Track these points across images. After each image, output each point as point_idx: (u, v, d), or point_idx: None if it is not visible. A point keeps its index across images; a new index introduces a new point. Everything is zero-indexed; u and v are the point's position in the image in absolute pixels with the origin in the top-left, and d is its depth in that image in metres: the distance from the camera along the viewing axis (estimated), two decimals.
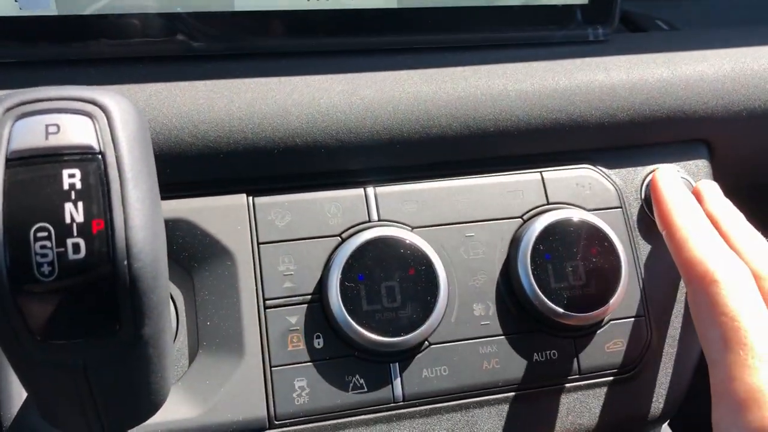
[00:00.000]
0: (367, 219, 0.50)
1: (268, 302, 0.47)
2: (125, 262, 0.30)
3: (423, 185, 0.52)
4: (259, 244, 0.48)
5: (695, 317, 0.44)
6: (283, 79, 0.50)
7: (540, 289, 0.49)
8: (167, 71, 0.48)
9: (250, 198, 0.49)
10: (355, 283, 0.47)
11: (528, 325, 0.50)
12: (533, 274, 0.49)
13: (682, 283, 0.55)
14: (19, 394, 0.43)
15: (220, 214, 0.48)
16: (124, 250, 0.30)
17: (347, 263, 0.47)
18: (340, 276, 0.47)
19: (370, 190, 0.51)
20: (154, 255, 0.31)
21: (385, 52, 0.53)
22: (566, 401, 0.51)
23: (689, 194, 0.52)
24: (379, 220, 0.50)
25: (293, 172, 0.50)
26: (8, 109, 0.31)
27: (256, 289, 0.47)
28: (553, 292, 0.49)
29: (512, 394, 0.50)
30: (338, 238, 0.49)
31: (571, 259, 0.50)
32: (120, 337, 0.32)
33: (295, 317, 0.48)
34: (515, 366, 0.50)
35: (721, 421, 0.40)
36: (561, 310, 0.49)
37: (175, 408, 0.44)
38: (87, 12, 0.47)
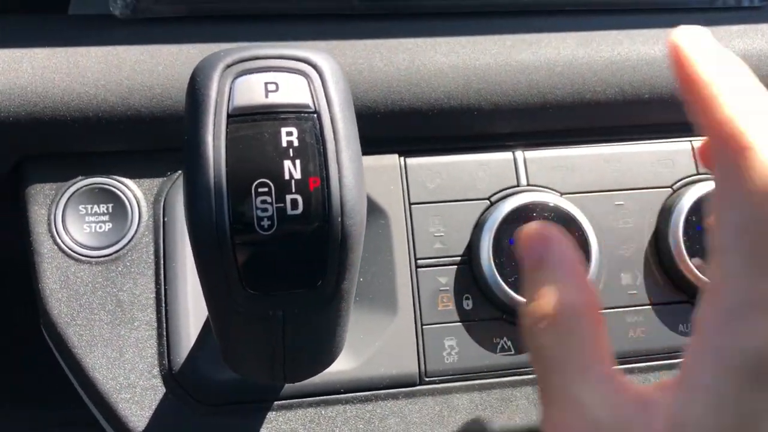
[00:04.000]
0: (515, 183, 0.50)
1: (419, 261, 0.48)
2: (339, 219, 0.31)
3: (572, 151, 0.51)
4: (410, 204, 0.49)
5: (714, 194, 0.29)
6: (439, 39, 0.49)
7: (692, 261, 0.48)
8: (326, 30, 0.49)
9: (402, 158, 0.50)
10: (505, 247, 0.47)
11: (676, 296, 0.50)
12: (685, 245, 0.48)
13: None
14: (187, 341, 0.45)
15: (374, 174, 0.49)
16: (339, 208, 0.31)
17: (498, 227, 0.48)
18: (491, 239, 0.47)
19: (519, 154, 0.51)
20: (362, 213, 0.32)
21: (537, 13, 0.53)
22: None
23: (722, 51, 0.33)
24: (527, 185, 0.50)
25: (444, 134, 0.50)
26: (228, 66, 0.31)
27: (408, 249, 0.48)
28: (704, 264, 0.48)
29: (657, 362, 0.49)
30: (487, 201, 0.50)
31: None
32: (322, 291, 0.33)
33: (446, 278, 0.48)
34: (661, 336, 0.49)
35: (708, 321, 0.28)
36: None
37: None
38: None
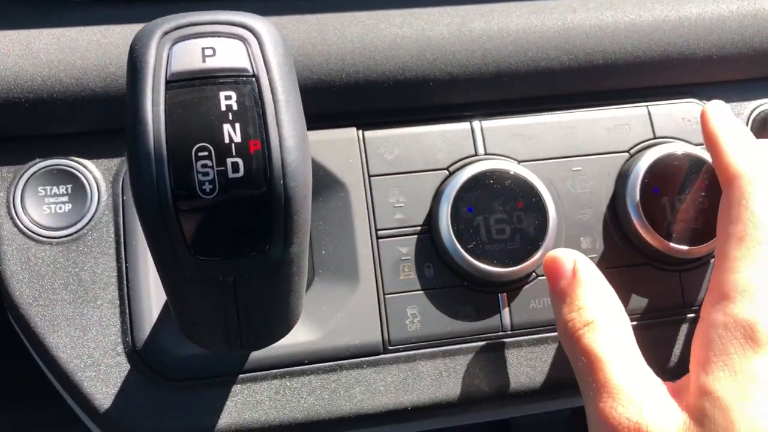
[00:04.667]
0: (473, 153, 0.51)
1: (380, 232, 0.49)
2: (281, 182, 0.31)
3: (529, 119, 0.52)
4: (370, 176, 0.49)
5: (721, 214, 0.44)
6: (392, 12, 0.50)
7: (648, 222, 0.49)
8: (276, 5, 0.49)
9: (360, 131, 0.50)
10: (464, 215, 0.48)
11: (635, 259, 0.50)
12: (642, 208, 0.49)
13: None
14: (149, 318, 0.46)
15: (332, 147, 0.49)
16: (280, 170, 0.31)
17: (456, 196, 0.48)
18: (450, 208, 0.48)
19: (476, 124, 0.51)
20: (306, 175, 0.32)
21: None
22: (671, 333, 0.51)
23: (736, 120, 0.49)
24: (485, 154, 0.51)
25: (401, 106, 0.51)
26: (166, 33, 0.32)
27: (369, 220, 0.49)
28: (661, 225, 0.49)
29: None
30: (446, 171, 0.50)
31: (680, 192, 0.50)
32: (270, 255, 0.33)
33: (406, 248, 0.49)
34: (622, 298, 0.50)
35: (710, 310, 0.41)
36: (670, 243, 0.49)
37: (295, 332, 0.46)
38: None
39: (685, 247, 0.49)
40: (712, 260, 0.52)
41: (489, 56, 0.49)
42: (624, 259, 0.50)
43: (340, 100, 0.49)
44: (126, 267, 0.46)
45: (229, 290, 0.35)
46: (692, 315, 0.51)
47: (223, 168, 0.31)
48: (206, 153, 0.31)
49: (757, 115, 0.55)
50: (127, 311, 0.46)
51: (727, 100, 0.55)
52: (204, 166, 0.31)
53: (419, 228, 0.49)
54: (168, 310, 0.46)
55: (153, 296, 0.46)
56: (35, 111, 0.46)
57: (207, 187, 0.31)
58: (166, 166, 0.30)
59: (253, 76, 0.32)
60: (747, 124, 0.55)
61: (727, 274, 0.41)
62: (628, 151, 0.52)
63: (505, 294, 0.49)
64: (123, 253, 0.46)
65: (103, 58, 0.46)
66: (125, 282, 0.46)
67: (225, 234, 0.32)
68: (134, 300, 0.46)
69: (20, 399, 0.77)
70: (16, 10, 0.48)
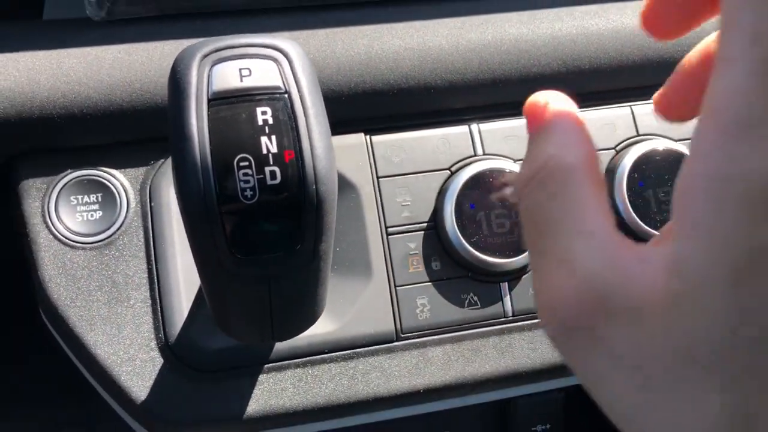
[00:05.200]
0: (473, 153, 0.55)
1: (389, 229, 0.52)
2: (313, 187, 0.35)
3: (522, 121, 0.55)
4: (378, 177, 0.53)
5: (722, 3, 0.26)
6: (395, 25, 0.54)
7: (635, 214, 0.53)
8: (291, 22, 0.53)
9: (368, 136, 0.54)
10: (467, 211, 0.52)
11: None
12: (630, 201, 0.53)
13: None
14: (180, 315, 0.49)
15: (343, 152, 0.53)
16: (312, 176, 0.35)
17: (459, 193, 0.52)
18: (453, 205, 0.52)
19: (475, 127, 0.55)
20: (333, 180, 0.36)
21: None
22: None
23: None
24: (484, 154, 0.55)
25: (405, 112, 0.54)
26: (206, 56, 0.35)
27: (379, 218, 0.53)
28: (647, 216, 0.53)
29: None
30: (448, 171, 0.54)
31: (663, 185, 0.54)
32: (303, 252, 0.37)
33: (414, 243, 0.53)
34: None
35: (703, 143, 0.22)
36: (656, 232, 0.53)
37: (315, 324, 0.50)
38: None
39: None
40: None
41: (485, 64, 0.53)
42: None
43: (349, 108, 0.53)
44: (156, 268, 0.49)
45: (265, 285, 0.38)
46: None
47: (262, 176, 0.34)
48: (247, 163, 0.34)
49: None
50: (159, 309, 0.49)
51: None
52: (245, 174, 0.34)
53: (425, 224, 0.53)
54: (197, 307, 0.49)
55: (183, 294, 0.49)
56: (67, 125, 0.49)
57: (248, 193, 0.34)
58: (212, 175, 0.34)
59: (286, 92, 0.35)
60: None
61: (733, 95, 0.22)
62: (614, 149, 0.56)
63: (506, 283, 0.53)
64: (153, 255, 0.50)
65: (128, 75, 0.49)
66: (156, 282, 0.49)
67: (264, 234, 0.36)
68: (165, 299, 0.49)
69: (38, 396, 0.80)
70: (43, 33, 0.51)
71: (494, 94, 0.55)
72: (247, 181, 0.34)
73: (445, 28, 0.54)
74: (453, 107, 0.55)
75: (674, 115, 0.29)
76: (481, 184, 0.52)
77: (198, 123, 0.34)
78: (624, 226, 0.54)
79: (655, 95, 0.33)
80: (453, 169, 0.54)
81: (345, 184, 0.53)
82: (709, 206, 0.20)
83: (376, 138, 0.54)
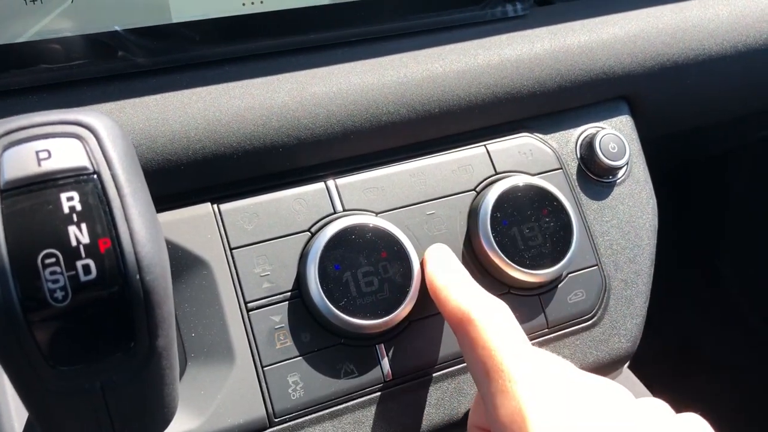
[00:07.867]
0: (332, 211, 0.51)
1: (249, 305, 0.48)
2: (137, 277, 0.30)
3: (380, 171, 0.53)
4: (231, 249, 0.49)
5: (467, 362, 0.44)
6: (231, 84, 0.50)
7: (503, 254, 0.52)
8: (114, 90, 0.48)
9: (215, 205, 0.50)
10: (332, 273, 0.48)
11: (498, 289, 0.53)
12: (495, 240, 0.52)
13: (627, 229, 0.59)
14: (20, 422, 0.42)
15: (189, 226, 0.48)
16: (134, 265, 0.30)
17: (322, 255, 0.49)
18: (317, 269, 0.48)
19: (331, 182, 0.52)
20: (163, 267, 0.32)
21: (324, 47, 0.55)
22: None
23: (450, 259, 0.51)
24: (344, 210, 0.52)
25: (254, 174, 0.51)
26: None
27: (236, 294, 0.48)
28: (515, 254, 0.52)
29: None
30: (308, 233, 0.50)
31: (526, 221, 0.53)
32: (136, 353, 0.32)
33: (279, 315, 0.48)
34: None
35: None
36: (526, 270, 0.52)
37: (175, 423, 0.44)
38: (21, 39, 0.46)
39: (541, 271, 0.52)
40: (566, 279, 0.55)
41: (332, 117, 0.51)
42: (488, 291, 0.53)
43: (191, 176, 0.48)
44: None
45: (98, 396, 0.33)
46: (556, 333, 0.55)
47: (73, 272, 0.29)
48: (54, 259, 0.29)
49: (584, 139, 0.61)
50: None
51: (556, 129, 0.60)
52: (53, 273, 0.29)
53: (289, 293, 0.49)
54: (30, 428, 0.42)
55: (14, 414, 0.42)
56: None
57: (59, 294, 0.29)
58: (11, 279, 0.29)
59: (95, 173, 0.31)
60: (576, 149, 0.60)
61: (493, 412, 0.39)
62: (474, 189, 0.55)
63: (382, 345, 0.50)
64: None
65: None
66: None
67: (85, 339, 0.31)
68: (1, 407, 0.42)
69: None
70: None
71: (347, 147, 0.52)
72: (56, 281, 0.29)
73: (287, 83, 0.51)
74: (305, 165, 0.52)
75: None
76: (344, 242, 0.49)
77: None
78: (492, 268, 0.52)
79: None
80: (313, 230, 0.51)
81: (194, 261, 0.48)
82: None
83: (224, 206, 0.50)
